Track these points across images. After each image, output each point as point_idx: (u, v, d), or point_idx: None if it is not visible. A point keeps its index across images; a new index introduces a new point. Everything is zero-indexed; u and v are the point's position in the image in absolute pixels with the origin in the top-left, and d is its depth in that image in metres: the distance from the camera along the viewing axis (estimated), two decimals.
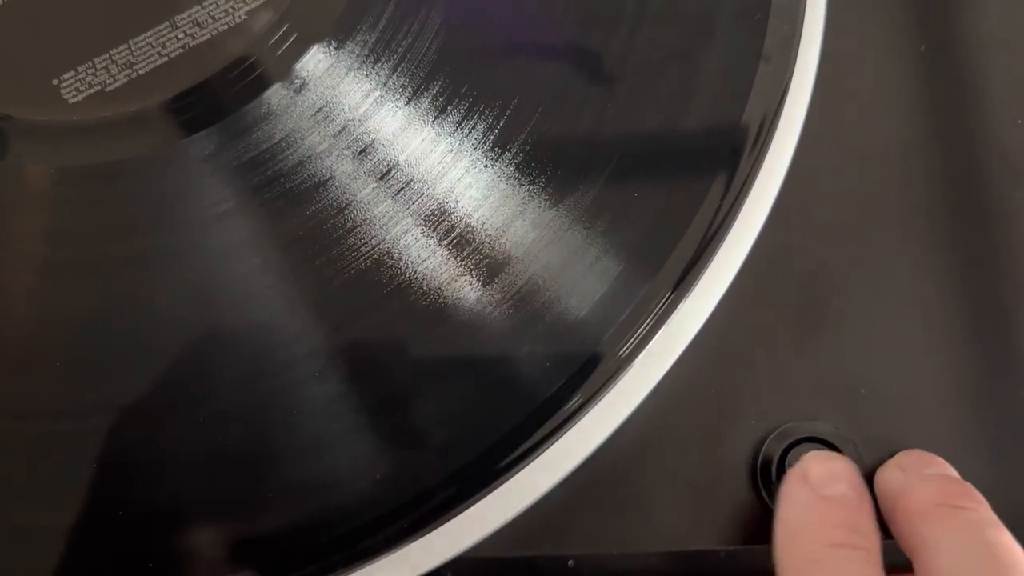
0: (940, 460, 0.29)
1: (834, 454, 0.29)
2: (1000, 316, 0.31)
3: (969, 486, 0.28)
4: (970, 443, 0.30)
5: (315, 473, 0.28)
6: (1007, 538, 0.26)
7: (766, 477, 0.30)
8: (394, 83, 0.30)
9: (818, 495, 0.28)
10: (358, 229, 0.29)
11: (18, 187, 0.31)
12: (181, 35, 0.31)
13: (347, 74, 0.30)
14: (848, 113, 0.33)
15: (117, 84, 0.31)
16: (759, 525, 0.29)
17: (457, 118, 0.30)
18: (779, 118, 0.30)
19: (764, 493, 0.29)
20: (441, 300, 0.29)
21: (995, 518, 0.27)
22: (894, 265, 0.32)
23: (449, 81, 0.30)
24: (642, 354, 0.28)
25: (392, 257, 0.29)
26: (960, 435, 0.30)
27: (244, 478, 0.28)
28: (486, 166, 0.30)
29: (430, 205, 0.30)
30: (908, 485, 0.28)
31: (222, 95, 0.30)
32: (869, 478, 0.29)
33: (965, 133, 0.33)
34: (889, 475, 0.29)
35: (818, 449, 0.29)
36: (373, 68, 0.31)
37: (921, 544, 0.26)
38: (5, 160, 0.31)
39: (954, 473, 0.29)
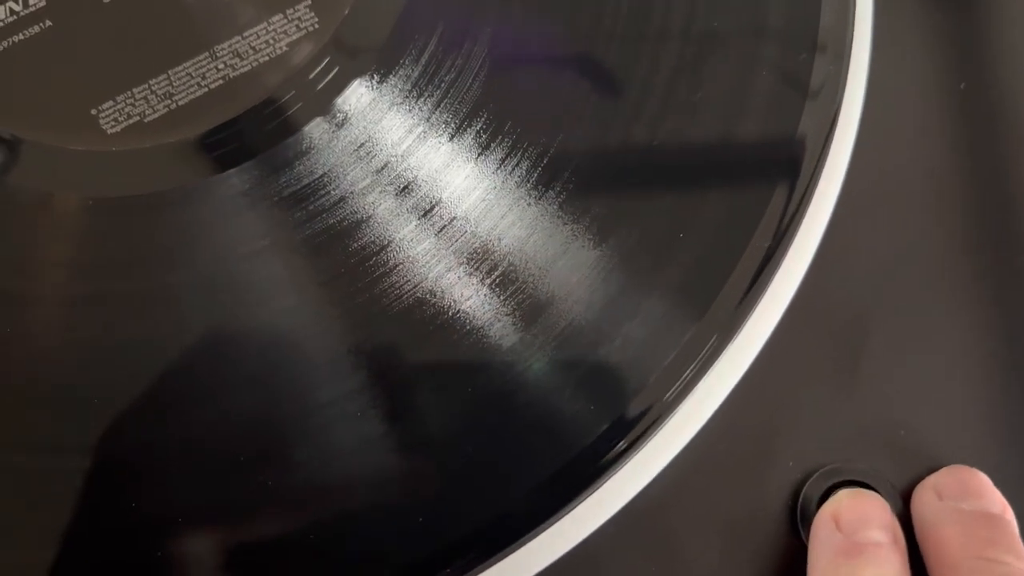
0: (979, 482, 0.29)
1: (867, 492, 0.29)
2: None
3: (1006, 525, 0.27)
4: (1012, 485, 0.30)
5: (352, 516, 0.28)
6: None
7: (806, 519, 0.29)
8: (437, 119, 0.30)
9: (850, 540, 0.27)
10: (400, 267, 0.29)
11: (51, 216, 0.30)
12: (221, 66, 0.31)
13: (389, 109, 0.30)
14: (889, 153, 0.33)
15: (156, 115, 0.30)
16: (799, 567, 0.29)
17: (500, 155, 0.30)
18: (825, 157, 0.30)
19: (804, 535, 0.29)
20: (483, 340, 0.29)
21: None
22: (934, 306, 0.31)
23: (493, 117, 0.30)
24: (687, 399, 0.28)
25: (434, 296, 0.29)
26: (1001, 478, 0.30)
27: (281, 519, 0.28)
28: (529, 204, 0.30)
29: (472, 244, 0.29)
30: (941, 520, 0.28)
31: (262, 129, 0.30)
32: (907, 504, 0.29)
33: (1004, 169, 0.33)
34: (925, 499, 0.29)
35: None
36: (416, 103, 0.30)
37: None
38: (25, 186, 0.30)
39: (994, 494, 0.28)
